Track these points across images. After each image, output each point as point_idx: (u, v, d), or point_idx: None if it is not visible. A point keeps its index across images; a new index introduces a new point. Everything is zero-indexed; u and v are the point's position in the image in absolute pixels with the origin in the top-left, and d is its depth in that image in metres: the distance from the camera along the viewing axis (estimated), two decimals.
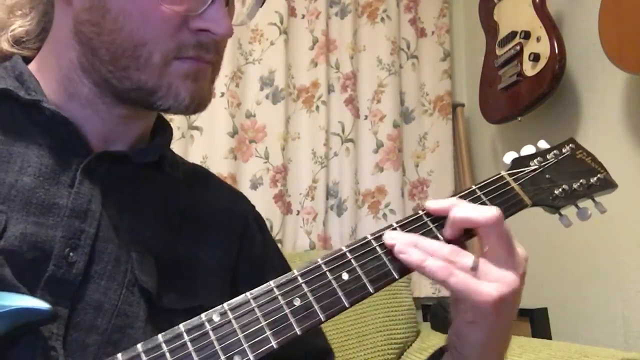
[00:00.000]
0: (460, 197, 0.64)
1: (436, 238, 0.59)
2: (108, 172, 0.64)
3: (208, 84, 0.64)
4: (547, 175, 0.70)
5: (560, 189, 0.69)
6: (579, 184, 0.70)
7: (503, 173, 0.68)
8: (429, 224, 0.60)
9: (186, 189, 0.73)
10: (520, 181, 0.67)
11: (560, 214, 0.70)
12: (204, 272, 0.69)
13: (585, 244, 1.64)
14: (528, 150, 0.73)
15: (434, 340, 1.63)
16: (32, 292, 0.55)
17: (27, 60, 0.67)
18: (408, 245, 0.56)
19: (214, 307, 0.52)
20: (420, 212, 0.61)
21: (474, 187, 0.65)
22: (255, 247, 0.77)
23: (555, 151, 0.73)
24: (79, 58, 0.62)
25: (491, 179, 0.67)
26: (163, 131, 0.73)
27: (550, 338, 1.63)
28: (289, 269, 0.79)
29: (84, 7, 0.60)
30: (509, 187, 0.66)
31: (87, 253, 0.59)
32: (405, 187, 2.17)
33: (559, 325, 1.67)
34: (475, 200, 0.64)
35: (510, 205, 0.65)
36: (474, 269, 0.55)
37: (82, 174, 0.61)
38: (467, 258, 0.56)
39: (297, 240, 1.99)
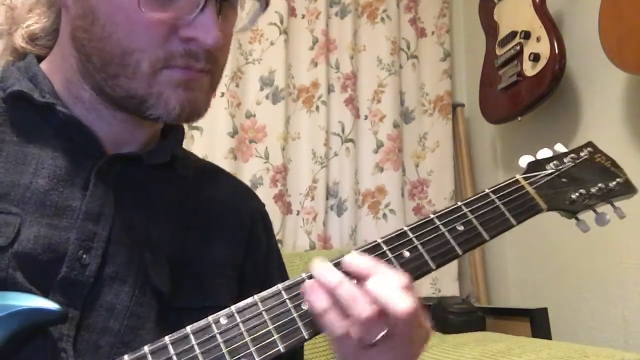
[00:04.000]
0: (473, 201, 0.62)
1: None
2: (121, 174, 0.64)
3: (204, 93, 0.63)
4: (563, 179, 0.68)
5: (577, 193, 0.67)
6: (597, 188, 0.68)
7: (518, 177, 0.67)
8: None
9: (197, 186, 0.73)
10: (536, 185, 0.66)
11: (577, 219, 0.69)
12: (214, 271, 0.69)
13: (586, 244, 1.64)
14: (544, 153, 0.72)
15: (434, 340, 1.62)
16: (45, 294, 0.55)
17: (40, 58, 0.68)
18: (326, 296, 0.51)
19: (225, 306, 0.53)
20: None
21: (487, 190, 0.64)
22: (260, 248, 0.77)
23: (572, 155, 0.71)
24: (77, 63, 0.62)
25: (506, 183, 0.65)
26: (175, 130, 0.73)
27: (550, 338, 1.64)
28: (285, 272, 0.80)
29: (77, 14, 0.60)
30: (524, 191, 0.65)
31: (100, 255, 0.59)
32: (405, 187, 2.16)
33: (559, 325, 1.67)
34: (489, 204, 0.62)
35: (525, 209, 0.64)
36: (374, 345, 0.51)
37: (96, 177, 0.61)
38: (376, 330, 0.50)
39: (297, 240, 1.99)
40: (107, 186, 0.62)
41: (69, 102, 0.64)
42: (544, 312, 1.67)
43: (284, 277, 0.75)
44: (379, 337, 0.50)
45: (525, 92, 1.72)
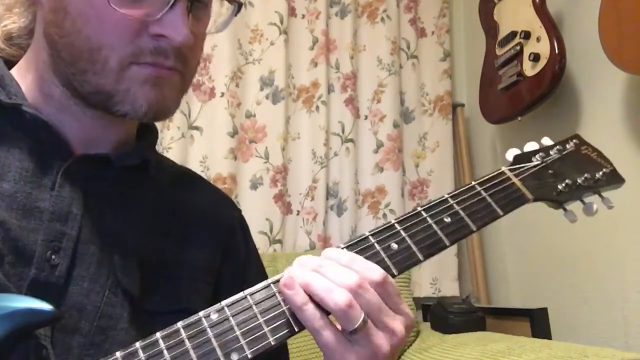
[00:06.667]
0: (459, 193, 0.63)
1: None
2: (90, 175, 0.63)
3: (173, 92, 0.62)
4: (550, 171, 0.69)
5: (563, 184, 0.68)
6: (583, 178, 0.69)
7: (504, 168, 0.67)
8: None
9: (172, 191, 0.73)
10: (522, 176, 0.67)
11: (565, 209, 0.70)
12: (189, 275, 0.68)
13: (585, 244, 1.63)
14: (531, 146, 0.72)
15: (434, 340, 1.63)
16: None
17: (11, 63, 0.67)
18: (305, 276, 0.52)
19: (198, 310, 0.52)
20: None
21: (473, 182, 0.65)
22: (239, 256, 0.77)
23: (558, 147, 0.72)
24: (49, 59, 0.62)
25: (491, 175, 0.66)
26: (148, 134, 0.72)
27: (550, 338, 1.63)
28: (265, 274, 0.79)
29: (50, 8, 0.60)
30: (509, 182, 0.65)
31: (69, 255, 0.59)
32: (405, 187, 2.17)
33: (559, 325, 1.67)
34: (475, 196, 0.63)
35: (511, 200, 0.64)
36: (354, 332, 0.50)
37: (63, 177, 0.61)
38: (356, 313, 0.50)
39: (297, 240, 1.99)
40: (75, 186, 0.61)
41: (40, 101, 0.64)
42: (544, 312, 1.67)
43: (264, 279, 0.75)
44: (359, 322, 0.50)
45: (525, 92, 1.72)
